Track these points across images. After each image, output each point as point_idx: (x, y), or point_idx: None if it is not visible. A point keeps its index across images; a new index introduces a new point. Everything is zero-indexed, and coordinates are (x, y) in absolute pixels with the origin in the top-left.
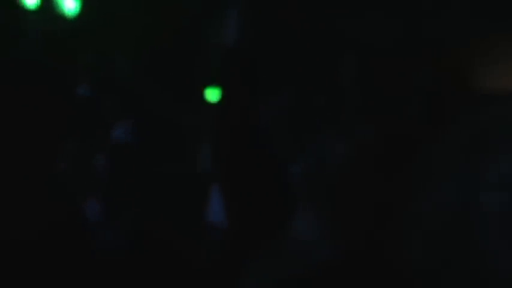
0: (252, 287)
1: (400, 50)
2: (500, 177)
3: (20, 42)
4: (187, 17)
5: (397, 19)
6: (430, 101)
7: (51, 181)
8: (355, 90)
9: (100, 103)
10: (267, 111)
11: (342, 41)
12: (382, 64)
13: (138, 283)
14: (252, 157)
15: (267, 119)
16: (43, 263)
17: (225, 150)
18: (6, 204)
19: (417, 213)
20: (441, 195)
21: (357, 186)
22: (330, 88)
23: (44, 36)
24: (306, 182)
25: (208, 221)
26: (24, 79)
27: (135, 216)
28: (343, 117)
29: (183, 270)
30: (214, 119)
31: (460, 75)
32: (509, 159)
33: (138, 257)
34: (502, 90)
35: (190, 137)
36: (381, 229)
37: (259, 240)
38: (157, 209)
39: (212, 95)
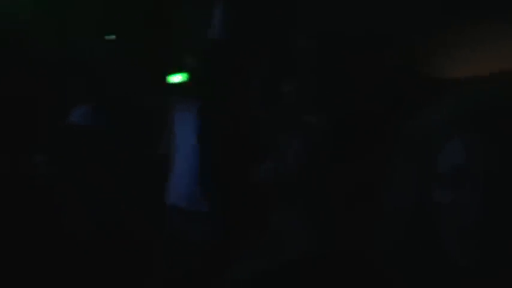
0: (235, 277)
1: (364, 40)
2: (452, 170)
3: None
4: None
5: (363, 9)
6: (395, 91)
7: (18, 169)
8: (314, 79)
9: (63, 85)
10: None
11: (303, 28)
12: (345, 53)
13: (105, 266)
14: (240, 149)
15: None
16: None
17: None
18: None
19: (383, 206)
20: (401, 190)
21: (318, 178)
22: (292, 78)
23: (5, 19)
24: (275, 180)
25: (168, 203)
26: None
27: (98, 200)
28: (298, 108)
29: (144, 252)
30: (202, 111)
31: (421, 65)
32: (460, 150)
33: (104, 241)
34: (458, 80)
35: (152, 119)
36: (351, 219)
37: (244, 232)
38: (118, 192)
39: (176, 79)
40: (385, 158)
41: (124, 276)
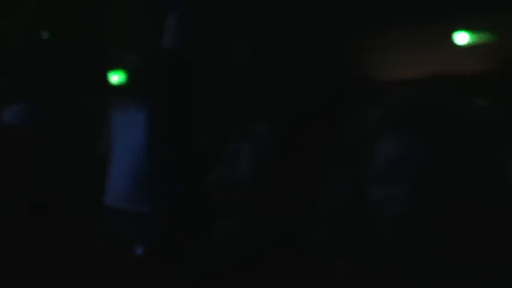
0: (184, 274)
1: (299, 42)
2: (386, 167)
3: None
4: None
5: (299, 11)
6: (333, 93)
7: None
8: (247, 82)
9: None
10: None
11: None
12: (280, 54)
13: (40, 269)
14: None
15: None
16: None
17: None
18: None
19: (322, 204)
20: (339, 188)
21: (267, 187)
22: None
23: None
24: (218, 192)
25: (107, 204)
26: None
27: (33, 201)
28: (241, 115)
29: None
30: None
31: (357, 67)
32: (394, 149)
33: (38, 244)
34: (393, 81)
35: (91, 118)
36: (294, 221)
37: (186, 235)
38: (54, 192)
39: (116, 77)
40: (327, 159)
41: (60, 279)
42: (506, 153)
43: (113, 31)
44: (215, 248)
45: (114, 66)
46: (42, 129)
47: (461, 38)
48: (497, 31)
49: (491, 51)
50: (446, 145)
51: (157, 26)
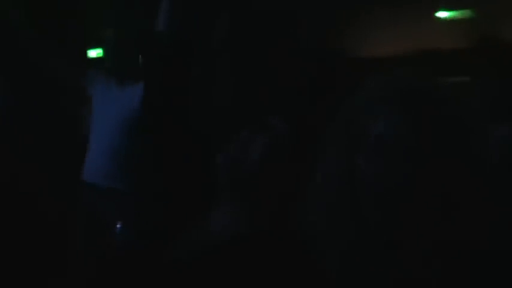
0: (179, 253)
1: (280, 18)
2: (375, 139)
3: None
4: None
5: None
6: (315, 74)
7: None
8: (227, 59)
9: None
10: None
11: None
12: (261, 30)
13: (15, 248)
14: (182, 138)
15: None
16: None
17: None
18: None
19: (315, 184)
20: (330, 164)
21: (275, 175)
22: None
23: None
24: (226, 173)
25: (86, 181)
26: None
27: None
28: (224, 93)
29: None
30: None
31: (345, 46)
32: (382, 123)
33: (15, 224)
34: (379, 56)
35: (71, 97)
36: (290, 205)
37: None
38: (34, 170)
39: (94, 53)
40: (320, 145)
41: (37, 258)
42: (488, 130)
43: (93, 7)
44: (210, 227)
45: (93, 43)
46: (19, 103)
47: (442, 13)
48: (477, 6)
49: (472, 26)
50: (432, 123)
51: (140, 3)
